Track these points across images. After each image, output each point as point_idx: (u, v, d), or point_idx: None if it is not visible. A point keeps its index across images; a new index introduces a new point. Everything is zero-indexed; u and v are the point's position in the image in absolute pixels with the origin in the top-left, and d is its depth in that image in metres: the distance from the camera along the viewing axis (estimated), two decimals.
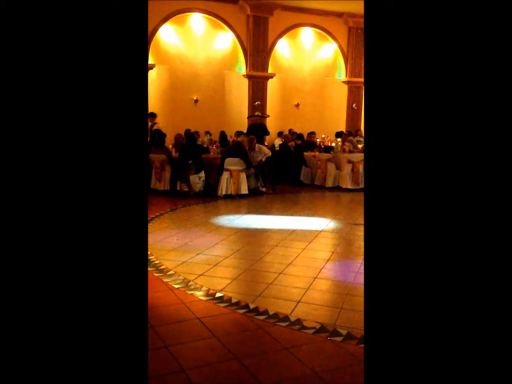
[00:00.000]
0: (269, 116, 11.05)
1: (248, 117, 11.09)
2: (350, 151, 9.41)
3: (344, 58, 12.86)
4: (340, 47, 12.75)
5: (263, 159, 8.32)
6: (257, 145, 8.38)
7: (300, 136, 10.49)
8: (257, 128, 9.99)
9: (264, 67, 11.79)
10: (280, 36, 11.96)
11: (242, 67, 11.72)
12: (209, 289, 3.46)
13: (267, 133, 10.53)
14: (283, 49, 12.25)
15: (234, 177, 7.68)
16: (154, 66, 10.64)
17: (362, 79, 13.05)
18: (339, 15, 12.34)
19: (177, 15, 10.79)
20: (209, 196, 7.70)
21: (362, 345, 2.61)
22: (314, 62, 12.68)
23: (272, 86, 12.10)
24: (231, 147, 8.09)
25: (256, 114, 10.81)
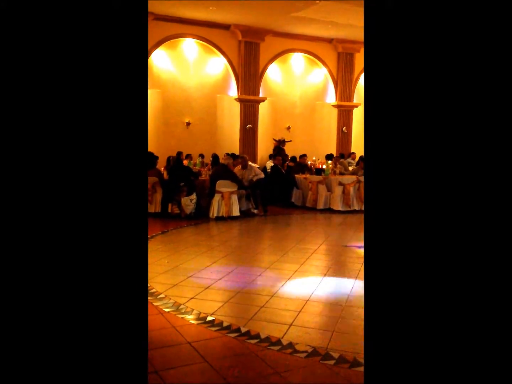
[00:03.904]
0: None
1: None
2: (341, 173, 9.49)
3: (333, 83, 13.11)
4: (330, 72, 13.01)
5: (254, 179, 8.37)
6: (249, 164, 8.51)
7: (293, 158, 10.63)
8: (277, 150, 10.68)
9: (256, 91, 11.97)
10: (271, 61, 12.19)
11: (234, 91, 11.89)
12: (200, 313, 3.42)
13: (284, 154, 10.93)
14: (274, 74, 12.46)
15: (226, 199, 7.69)
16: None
17: (351, 103, 13.30)
18: (329, 41, 12.65)
19: (170, 40, 10.98)
20: (201, 218, 7.68)
21: (355, 369, 2.58)
22: (304, 87, 12.91)
23: (263, 109, 12.25)
24: (217, 169, 8.10)
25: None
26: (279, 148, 10.79)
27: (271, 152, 11.93)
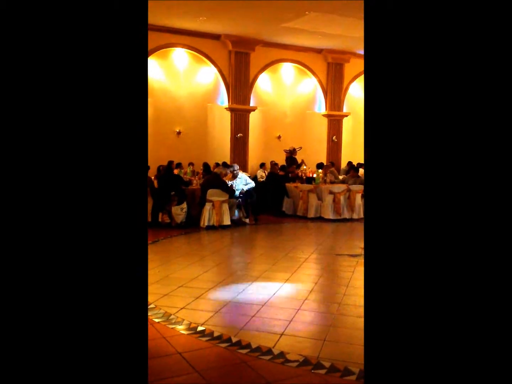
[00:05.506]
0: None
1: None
2: (332, 182, 9.54)
3: (323, 92, 13.22)
4: (320, 81, 13.13)
5: (245, 188, 8.38)
6: (240, 173, 8.55)
7: (282, 167, 10.66)
8: (289, 161, 10.95)
9: (246, 100, 12.02)
10: (261, 70, 12.26)
11: (224, 100, 11.93)
12: (190, 323, 3.39)
13: (296, 164, 11.16)
14: (264, 83, 12.54)
15: (217, 208, 7.68)
16: None
17: (341, 113, 13.41)
18: (319, 51, 12.78)
19: (160, 50, 11.01)
20: (191, 227, 7.66)
21: (346, 378, 2.58)
22: (294, 96, 13.00)
23: (254, 118, 12.30)
24: (208, 179, 8.10)
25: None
26: (291, 158, 10.87)
27: (261, 161, 11.98)
